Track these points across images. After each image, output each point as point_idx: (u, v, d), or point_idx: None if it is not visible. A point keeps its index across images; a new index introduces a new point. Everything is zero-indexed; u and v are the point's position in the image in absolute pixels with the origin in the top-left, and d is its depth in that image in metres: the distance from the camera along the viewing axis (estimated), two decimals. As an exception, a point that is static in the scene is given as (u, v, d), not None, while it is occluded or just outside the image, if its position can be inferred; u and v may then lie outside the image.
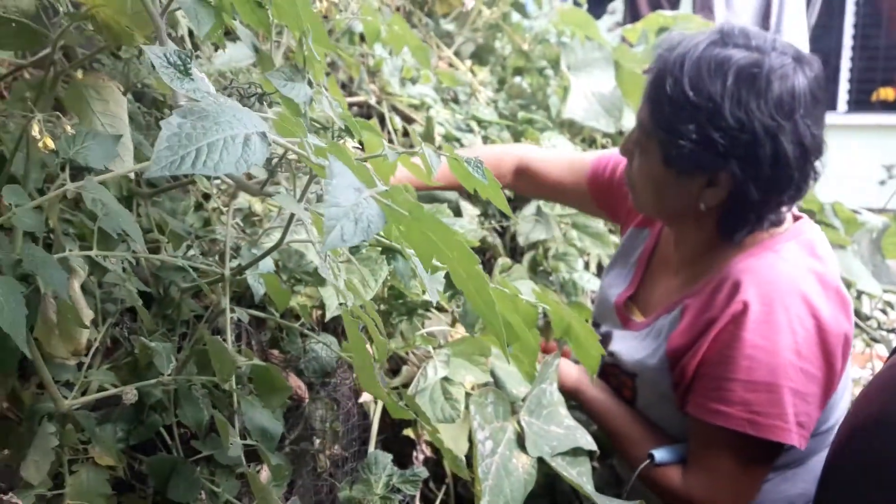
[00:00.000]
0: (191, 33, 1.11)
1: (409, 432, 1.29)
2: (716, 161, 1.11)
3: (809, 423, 1.10)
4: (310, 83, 0.75)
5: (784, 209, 1.17)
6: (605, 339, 1.34)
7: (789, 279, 1.11)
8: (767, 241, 1.18)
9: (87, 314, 0.72)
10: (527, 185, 1.62)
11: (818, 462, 1.18)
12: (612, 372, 1.33)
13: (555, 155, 1.63)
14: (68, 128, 0.67)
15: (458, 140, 1.90)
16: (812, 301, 1.10)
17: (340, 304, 0.70)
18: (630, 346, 1.29)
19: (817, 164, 1.14)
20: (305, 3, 0.74)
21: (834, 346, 1.10)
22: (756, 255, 1.16)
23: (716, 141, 1.08)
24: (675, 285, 1.29)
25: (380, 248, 1.03)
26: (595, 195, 1.51)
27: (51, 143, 0.64)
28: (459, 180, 0.72)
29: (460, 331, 1.36)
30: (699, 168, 1.13)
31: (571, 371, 1.33)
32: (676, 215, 1.24)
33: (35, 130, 0.63)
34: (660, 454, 1.19)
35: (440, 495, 1.31)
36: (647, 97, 1.18)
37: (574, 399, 1.33)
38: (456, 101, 2.09)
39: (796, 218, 1.25)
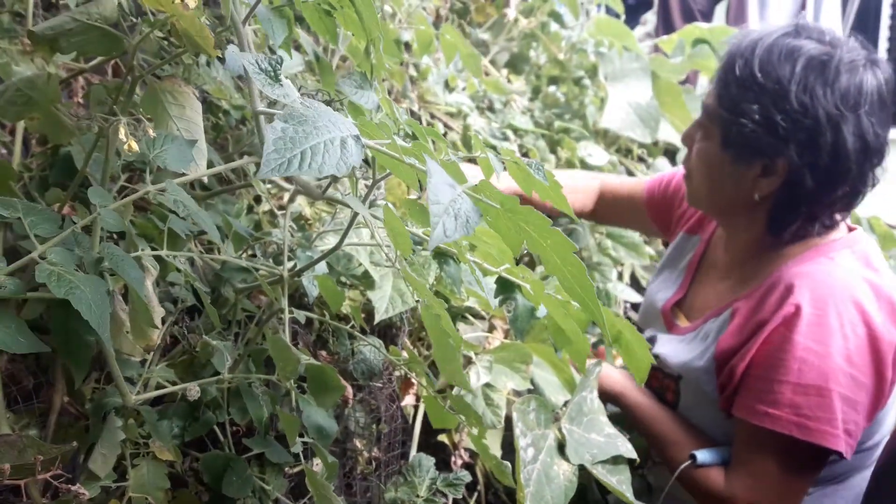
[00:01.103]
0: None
1: (443, 438, 1.30)
2: (775, 145, 1.11)
3: (857, 432, 1.09)
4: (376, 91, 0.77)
5: (837, 216, 1.17)
6: (650, 343, 1.35)
7: (843, 285, 1.11)
8: (822, 247, 1.17)
9: (159, 312, 0.74)
10: (604, 212, 1.66)
11: (860, 481, 1.17)
12: (654, 375, 1.33)
13: (619, 180, 1.67)
14: (150, 131, 0.69)
15: (493, 148, 1.91)
16: (865, 308, 1.09)
17: (417, 301, 0.71)
18: (675, 349, 1.28)
19: (878, 169, 1.14)
20: (373, 13, 0.76)
21: (885, 354, 1.09)
22: (810, 260, 1.16)
23: (777, 124, 1.09)
24: (723, 289, 1.29)
25: (426, 253, 1.04)
26: (650, 210, 1.54)
27: (135, 146, 0.67)
28: (518, 184, 0.74)
29: (497, 338, 1.37)
30: (757, 153, 1.14)
31: (614, 375, 1.33)
32: (729, 207, 1.24)
33: (121, 133, 0.65)
34: (702, 455, 1.18)
35: (472, 502, 1.32)
36: (716, 79, 1.20)
37: (615, 403, 1.34)
38: (492, 109, 2.11)
39: (851, 229, 1.24)
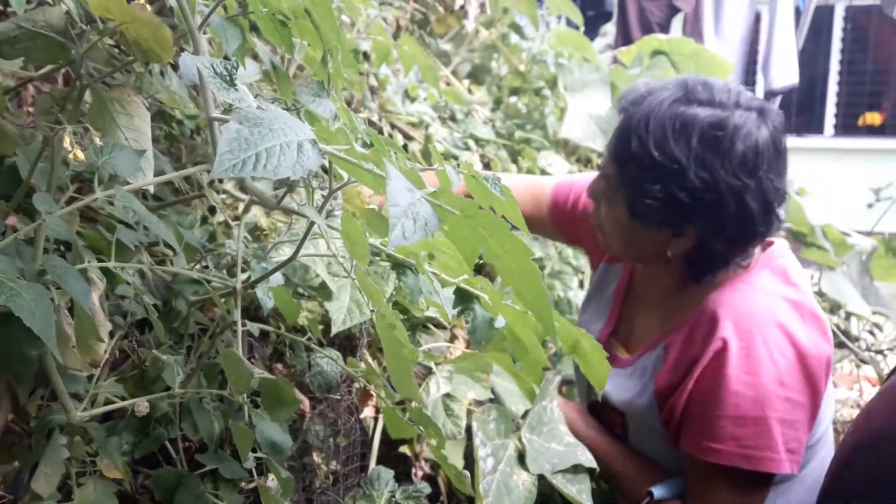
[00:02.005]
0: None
1: (405, 449, 1.30)
2: (681, 218, 1.13)
3: (799, 447, 1.12)
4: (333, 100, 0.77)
5: (752, 250, 1.20)
6: None
7: (765, 310, 1.14)
8: (741, 274, 1.20)
9: (106, 326, 0.72)
10: None
11: (808, 472, 1.20)
12: (601, 409, 1.35)
13: (516, 182, 1.62)
14: (97, 139, 0.67)
15: (455, 157, 1.91)
16: (790, 329, 1.12)
17: (372, 311, 0.71)
18: (617, 385, 1.30)
19: (780, 211, 1.16)
20: (333, 23, 0.75)
21: (816, 369, 1.12)
22: (730, 288, 1.18)
23: (681, 200, 1.10)
24: (654, 320, 1.30)
25: (387, 263, 1.04)
26: (557, 224, 1.51)
27: (81, 155, 0.65)
28: (475, 197, 0.73)
29: (459, 347, 1.37)
30: (664, 223, 1.16)
31: (564, 410, 1.33)
32: (645, 260, 1.27)
33: (66, 142, 0.64)
34: (658, 491, 1.20)
35: (435, 513, 1.31)
36: (612, 154, 1.20)
37: None
38: (453, 119, 2.12)
39: (768, 244, 1.26)
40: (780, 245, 1.26)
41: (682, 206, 1.11)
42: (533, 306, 0.68)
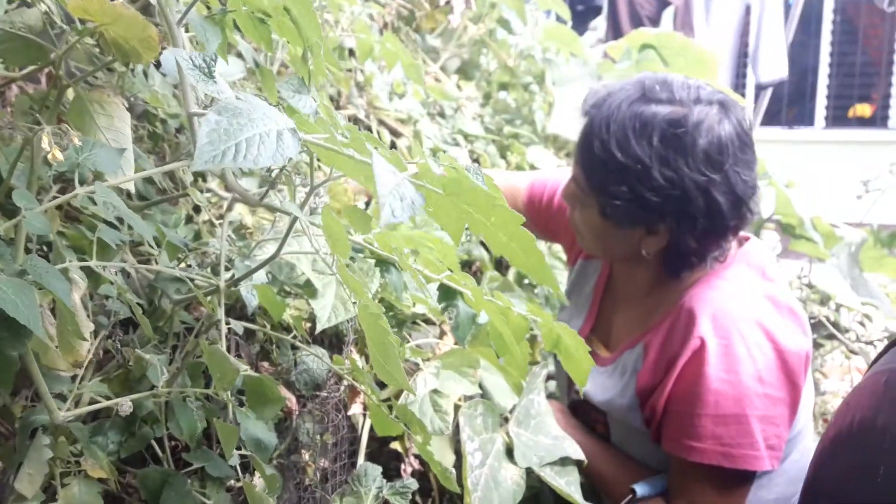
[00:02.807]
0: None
1: (395, 445, 1.30)
2: (651, 216, 1.14)
3: (779, 443, 1.13)
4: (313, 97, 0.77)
5: (726, 245, 1.20)
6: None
7: (742, 306, 1.14)
8: (718, 269, 1.21)
9: (87, 326, 0.72)
10: None
11: (789, 465, 1.22)
12: (582, 409, 1.35)
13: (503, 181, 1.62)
14: (76, 139, 0.67)
15: (444, 153, 1.91)
16: (767, 326, 1.13)
17: (354, 302, 0.71)
18: (598, 384, 1.30)
19: (752, 203, 1.16)
20: (313, 20, 0.75)
21: (795, 365, 1.13)
22: (707, 285, 1.19)
23: (648, 199, 1.11)
24: (633, 318, 1.31)
25: (372, 260, 1.04)
26: (534, 221, 1.51)
27: (59, 156, 0.65)
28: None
29: (448, 343, 1.37)
30: (636, 222, 1.16)
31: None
32: (622, 258, 1.28)
33: (44, 142, 0.63)
34: (641, 489, 1.21)
35: (427, 508, 1.31)
36: (578, 159, 1.20)
37: None
38: (442, 115, 2.12)
39: (743, 239, 1.27)
40: (755, 241, 1.27)
41: (651, 205, 1.11)
42: (533, 272, 0.68)
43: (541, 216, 1.50)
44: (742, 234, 1.25)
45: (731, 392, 1.10)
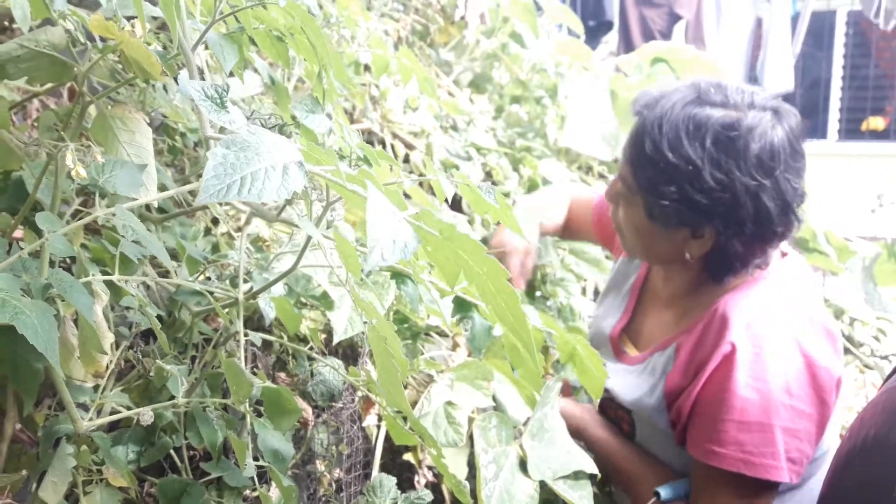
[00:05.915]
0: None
1: (409, 457, 1.30)
2: (698, 218, 1.14)
3: (801, 457, 1.12)
4: (328, 115, 0.78)
5: (771, 251, 1.20)
6: None
7: (777, 316, 1.14)
8: (757, 277, 1.20)
9: (109, 337, 0.74)
10: (570, 228, 1.68)
11: (814, 483, 1.20)
12: (608, 406, 1.35)
13: (585, 195, 1.67)
14: (99, 157, 0.69)
15: (456, 167, 1.93)
16: (802, 341, 1.12)
17: (365, 322, 0.72)
18: (625, 383, 1.30)
19: (799, 210, 1.16)
20: (322, 42, 0.77)
21: (826, 383, 1.12)
22: (745, 292, 1.18)
23: (697, 201, 1.11)
24: (667, 319, 1.31)
25: (388, 273, 1.05)
26: (597, 228, 1.56)
27: (83, 172, 0.66)
28: (472, 205, 0.75)
29: (461, 355, 1.38)
30: (682, 224, 1.16)
31: (574, 411, 1.34)
32: (664, 260, 1.27)
33: (68, 159, 0.65)
34: (665, 491, 1.20)
35: (439, 520, 1.32)
36: (628, 157, 1.21)
37: (577, 439, 1.35)
38: (455, 128, 2.13)
39: (783, 254, 1.27)
40: (796, 256, 1.27)
41: (699, 207, 1.11)
42: (512, 325, 0.69)
43: (605, 223, 1.52)
44: (783, 248, 1.25)
45: (758, 400, 1.09)
